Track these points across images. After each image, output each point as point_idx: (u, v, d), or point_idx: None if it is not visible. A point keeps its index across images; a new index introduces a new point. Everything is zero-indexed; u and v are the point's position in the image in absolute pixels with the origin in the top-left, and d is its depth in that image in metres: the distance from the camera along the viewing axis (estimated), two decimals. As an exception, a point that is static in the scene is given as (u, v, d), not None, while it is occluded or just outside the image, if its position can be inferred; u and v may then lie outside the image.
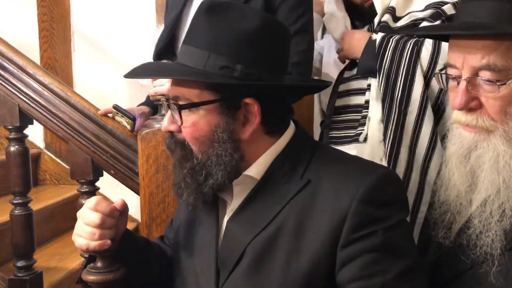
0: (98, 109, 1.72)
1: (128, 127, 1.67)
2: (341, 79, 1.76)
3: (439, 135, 1.47)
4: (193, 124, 0.99)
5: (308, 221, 0.96)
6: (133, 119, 1.65)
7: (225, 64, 0.96)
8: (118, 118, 1.68)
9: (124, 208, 1.10)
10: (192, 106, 0.98)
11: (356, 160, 1.08)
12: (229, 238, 1.04)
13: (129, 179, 1.67)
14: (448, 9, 1.56)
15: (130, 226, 2.50)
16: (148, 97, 1.77)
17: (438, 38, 1.21)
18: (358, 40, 1.65)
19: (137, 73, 1.03)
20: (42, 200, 2.48)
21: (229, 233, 1.04)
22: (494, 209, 0.92)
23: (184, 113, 1.00)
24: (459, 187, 0.98)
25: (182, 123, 1.00)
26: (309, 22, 1.67)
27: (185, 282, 1.12)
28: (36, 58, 2.93)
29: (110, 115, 1.71)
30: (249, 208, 1.03)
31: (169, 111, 1.03)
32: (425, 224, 1.13)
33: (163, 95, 1.03)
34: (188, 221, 1.14)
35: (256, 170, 1.03)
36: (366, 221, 0.92)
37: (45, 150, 2.97)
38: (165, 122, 1.04)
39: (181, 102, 1.00)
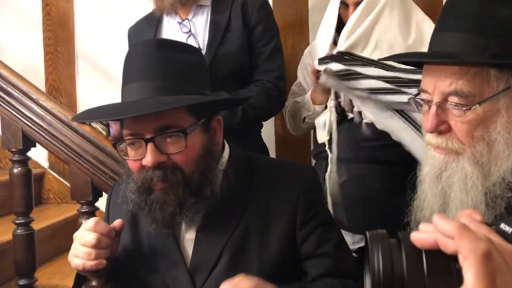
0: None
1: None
2: None
3: None
4: (191, 146, 1.09)
5: (270, 217, 1.17)
6: (106, 125, 1.75)
7: (195, 89, 1.15)
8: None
9: (122, 228, 1.16)
10: (194, 128, 1.10)
11: (288, 162, 1.35)
12: (202, 246, 1.15)
13: (127, 199, 1.73)
14: None
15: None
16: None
17: (414, 65, 1.27)
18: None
19: (130, 110, 1.09)
20: (45, 218, 2.53)
21: (202, 240, 1.15)
22: (464, 228, 0.96)
23: (177, 138, 1.08)
24: (433, 206, 1.03)
25: (186, 147, 1.08)
26: (279, 41, 1.97)
27: None
28: (42, 80, 3.02)
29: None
30: (214, 217, 1.15)
31: (147, 148, 1.07)
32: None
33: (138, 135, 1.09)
34: (137, 237, 1.23)
35: None
36: (311, 205, 1.20)
37: (49, 170, 3.04)
38: (149, 157, 1.07)
39: (171, 130, 1.07)
